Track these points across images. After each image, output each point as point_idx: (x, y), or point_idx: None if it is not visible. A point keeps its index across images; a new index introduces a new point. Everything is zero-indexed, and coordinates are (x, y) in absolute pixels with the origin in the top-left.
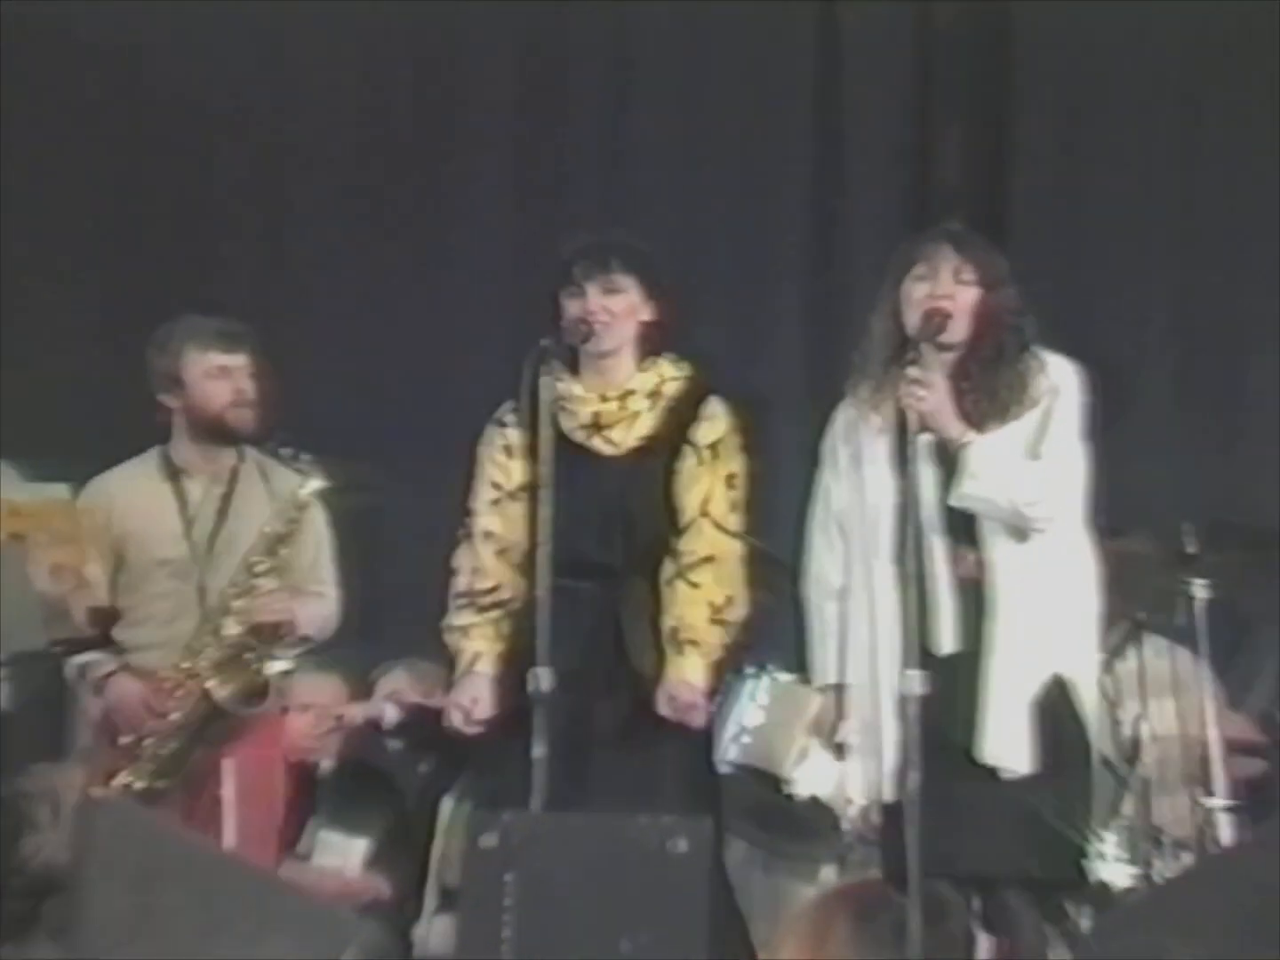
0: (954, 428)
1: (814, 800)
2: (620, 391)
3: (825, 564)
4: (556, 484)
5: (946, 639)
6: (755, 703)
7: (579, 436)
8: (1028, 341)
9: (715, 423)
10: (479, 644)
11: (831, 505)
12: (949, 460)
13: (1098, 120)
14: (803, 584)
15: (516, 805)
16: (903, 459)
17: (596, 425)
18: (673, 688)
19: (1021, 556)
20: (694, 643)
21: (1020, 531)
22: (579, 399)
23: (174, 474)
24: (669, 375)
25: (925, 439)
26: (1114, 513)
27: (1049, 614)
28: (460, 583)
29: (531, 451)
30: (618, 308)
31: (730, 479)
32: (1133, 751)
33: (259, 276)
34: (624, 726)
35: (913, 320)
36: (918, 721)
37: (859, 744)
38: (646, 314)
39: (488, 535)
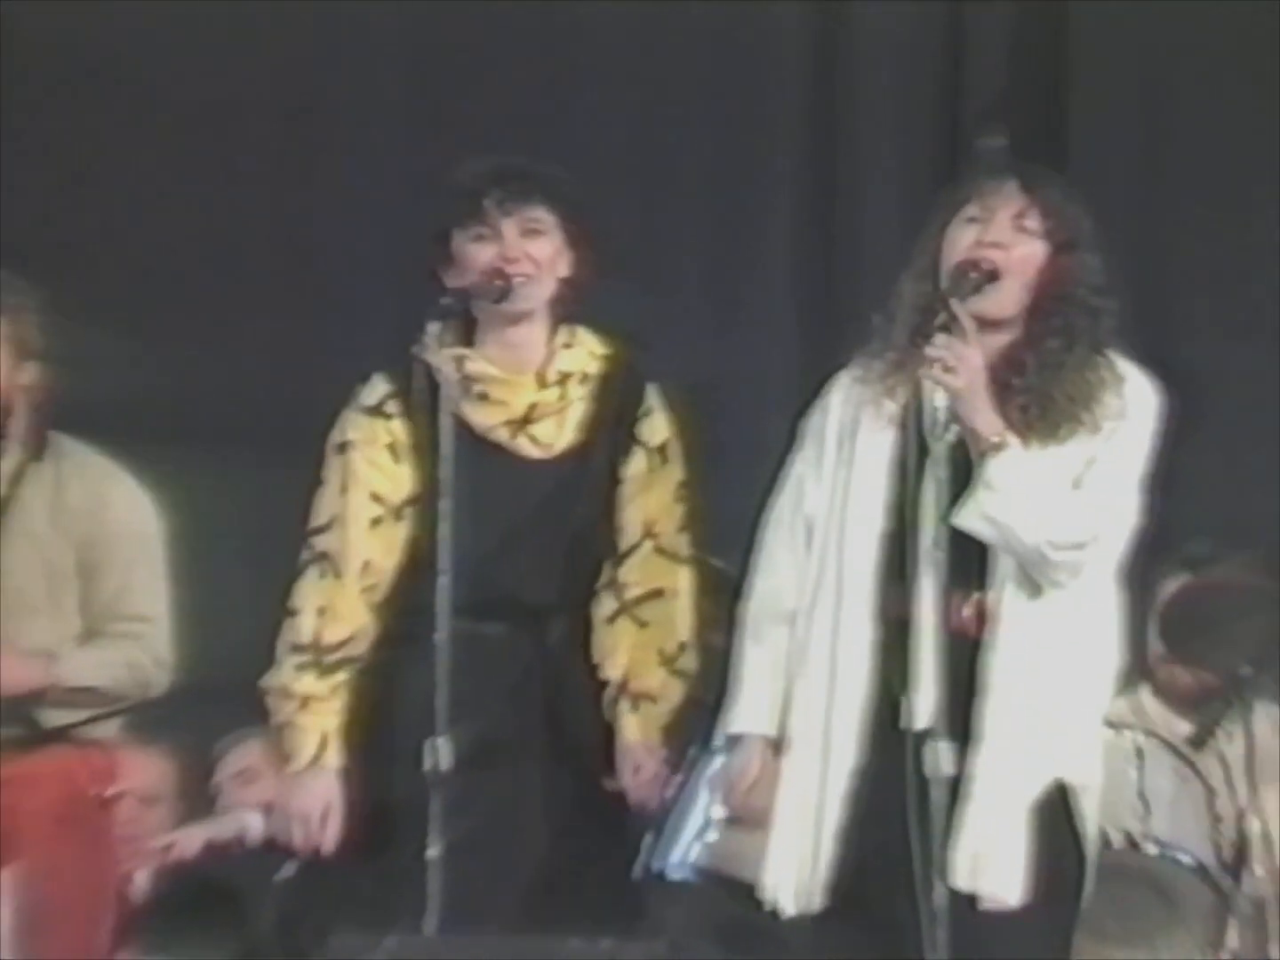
0: (987, 422)
1: None
2: (552, 374)
3: (780, 576)
4: (462, 494)
5: (922, 711)
6: None
7: (500, 435)
8: (1104, 338)
9: (656, 418)
10: (326, 720)
11: (803, 503)
12: (965, 465)
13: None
14: (744, 601)
15: (406, 923)
16: (911, 465)
17: (526, 419)
18: (634, 753)
19: (1036, 615)
20: (649, 698)
21: (1033, 583)
22: (498, 382)
23: None
24: (597, 353)
25: (947, 440)
26: (1207, 532)
27: (1058, 696)
28: (302, 629)
29: (422, 450)
30: (542, 255)
31: (680, 490)
32: (1238, 859)
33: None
34: (554, 812)
35: (950, 270)
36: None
37: (788, 830)
38: (565, 267)
39: (365, 566)
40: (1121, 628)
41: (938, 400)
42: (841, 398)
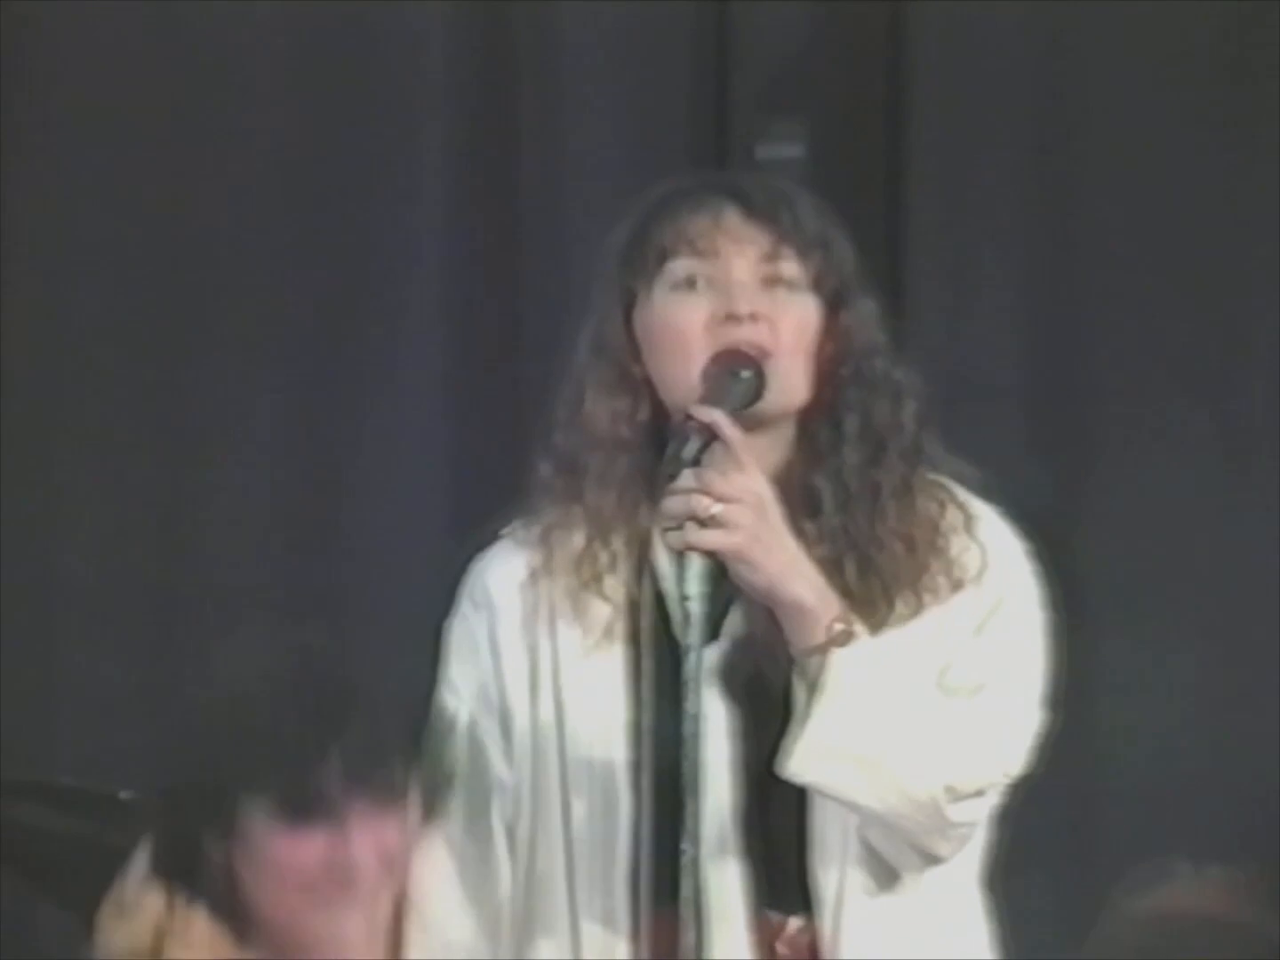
0: (814, 595)
1: None
2: None
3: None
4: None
5: None
6: None
7: None
8: (920, 439)
9: None
10: None
11: (492, 797)
12: (756, 690)
13: None
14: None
15: None
16: (660, 703)
17: None
18: None
19: (890, 927)
20: None
21: (889, 870)
22: None
23: None
24: None
25: (723, 647)
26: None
27: None
28: None
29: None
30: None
31: None
32: None
33: None
34: None
35: (678, 374)
36: None
37: None
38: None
39: None
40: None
41: (690, 586)
42: (513, 611)
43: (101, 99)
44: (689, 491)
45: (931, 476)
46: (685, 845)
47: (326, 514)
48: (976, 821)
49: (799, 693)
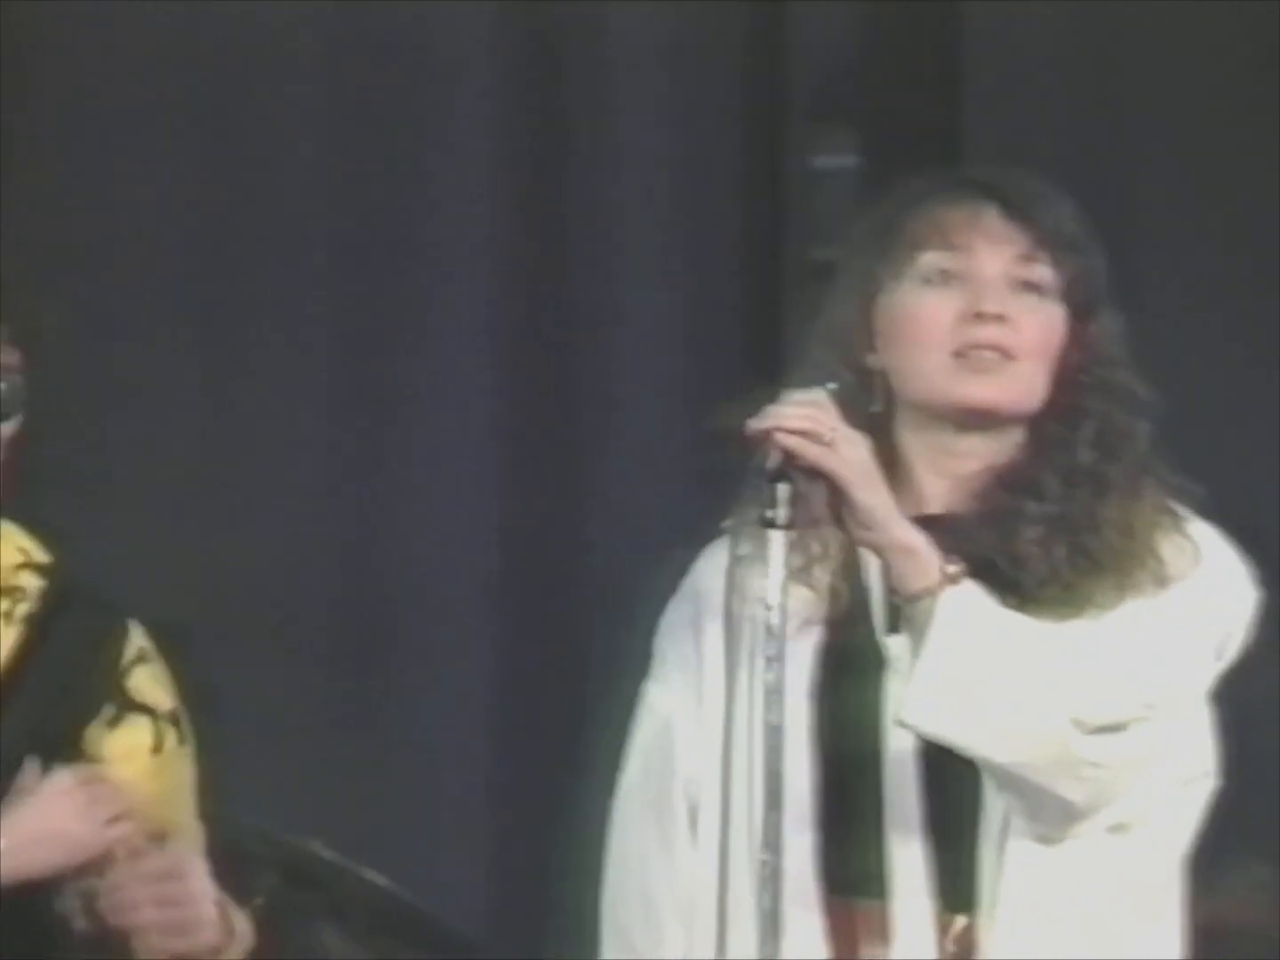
0: (910, 532)
1: None
2: None
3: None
4: None
5: None
6: None
7: None
8: (1146, 450)
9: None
10: None
11: (677, 766)
12: None
13: None
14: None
15: None
16: (862, 687)
17: None
18: None
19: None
20: None
21: (1043, 830)
22: None
23: None
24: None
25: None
26: None
27: None
28: None
29: None
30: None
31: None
32: None
33: None
34: None
35: (917, 367)
36: None
37: None
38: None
39: None
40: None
41: (771, 594)
42: (717, 598)
43: (142, 110)
44: (807, 409)
45: (1157, 490)
46: (765, 855)
47: (376, 526)
48: (1113, 762)
49: (911, 641)
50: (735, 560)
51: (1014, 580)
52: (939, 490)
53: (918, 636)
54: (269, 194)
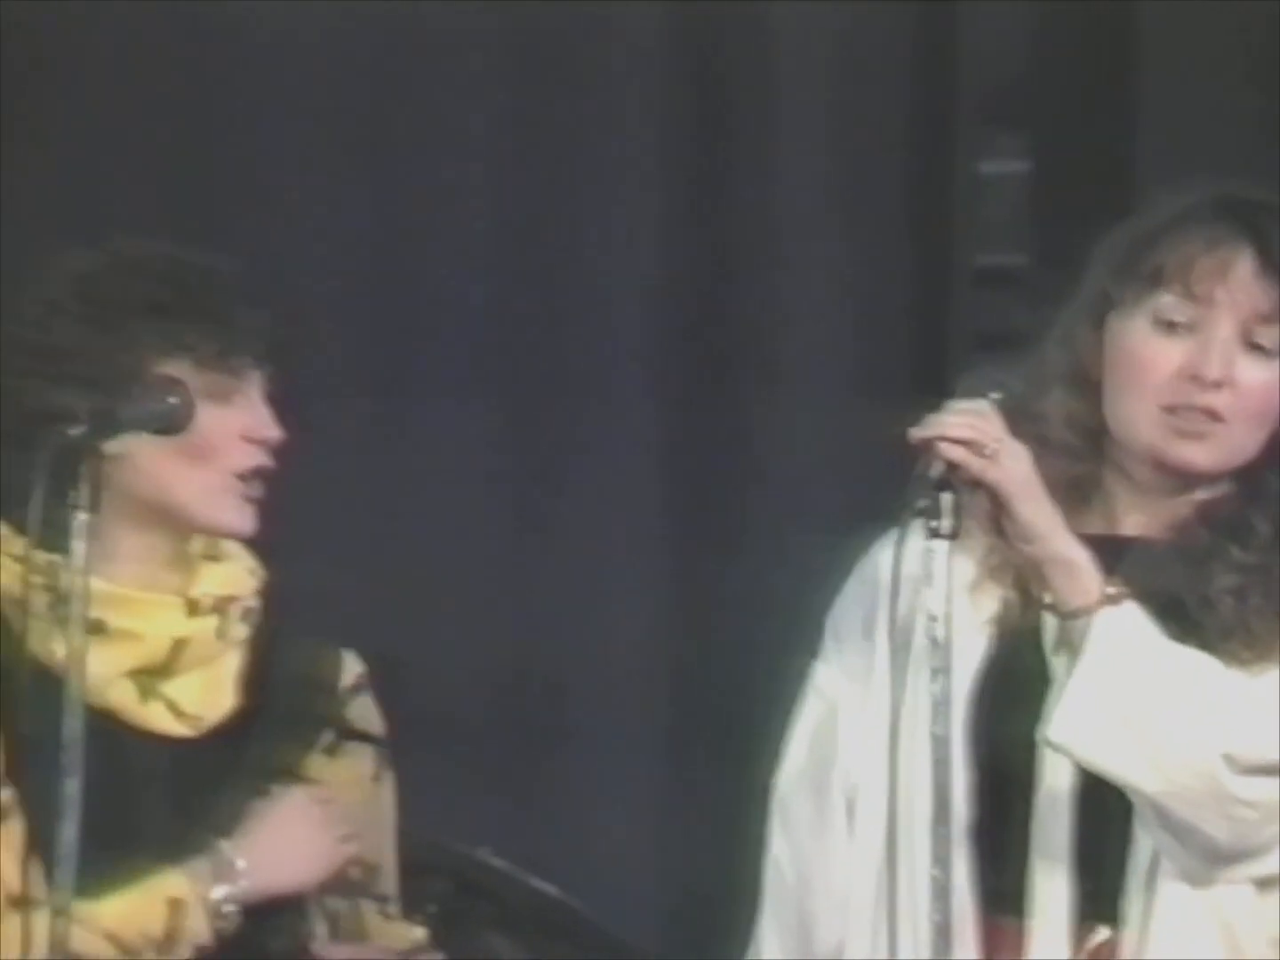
0: (1074, 548)
1: None
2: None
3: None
4: None
5: None
6: None
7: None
8: None
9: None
10: None
11: (838, 755)
12: None
13: None
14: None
15: None
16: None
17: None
18: None
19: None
20: None
21: (1192, 869)
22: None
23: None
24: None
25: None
26: None
27: None
28: None
29: None
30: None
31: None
32: None
33: None
34: None
35: (1131, 409)
36: None
37: None
38: None
39: None
40: None
41: (934, 605)
42: (899, 592)
43: (314, 126)
44: (971, 419)
45: None
46: (935, 870)
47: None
48: (1263, 805)
49: (1065, 657)
50: (899, 568)
51: (1197, 623)
52: (1136, 513)
53: (1072, 654)
54: (432, 213)
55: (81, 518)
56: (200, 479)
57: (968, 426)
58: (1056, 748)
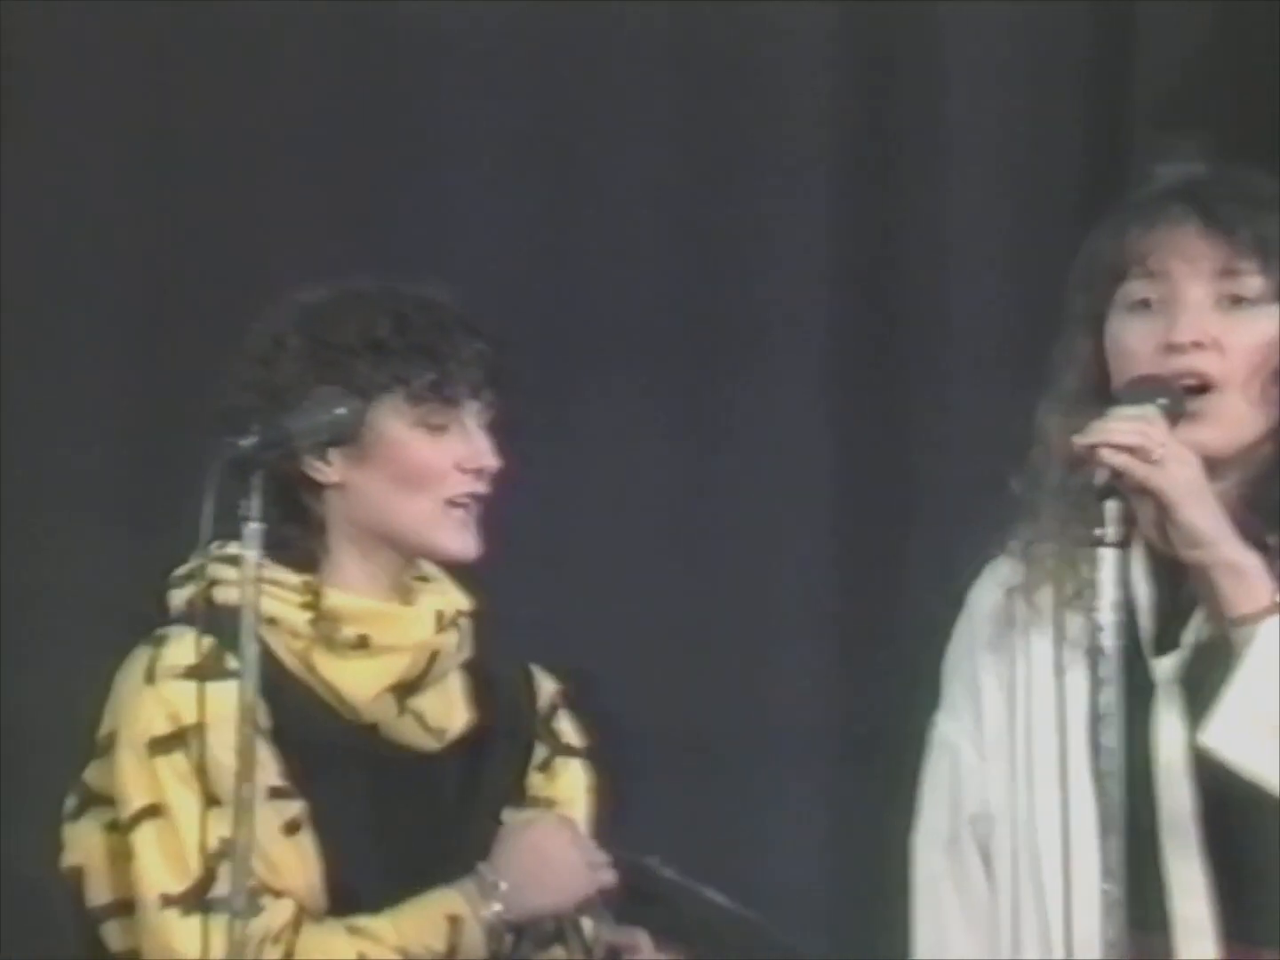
0: (1241, 553)
1: None
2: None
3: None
4: None
5: None
6: None
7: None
8: None
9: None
10: None
11: (964, 798)
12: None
13: None
14: None
15: None
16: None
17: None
18: None
19: None
20: None
21: None
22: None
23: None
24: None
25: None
26: None
27: None
28: None
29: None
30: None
31: None
32: None
33: None
34: None
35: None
36: None
37: None
38: None
39: None
40: None
41: (1101, 613)
42: (992, 626)
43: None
44: (1136, 424)
45: None
46: (1106, 885)
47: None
48: None
49: (1231, 665)
50: (1011, 588)
51: None
52: None
53: (1235, 660)
54: (600, 217)
55: (253, 527)
56: (415, 507)
57: (1133, 432)
58: (1208, 751)
